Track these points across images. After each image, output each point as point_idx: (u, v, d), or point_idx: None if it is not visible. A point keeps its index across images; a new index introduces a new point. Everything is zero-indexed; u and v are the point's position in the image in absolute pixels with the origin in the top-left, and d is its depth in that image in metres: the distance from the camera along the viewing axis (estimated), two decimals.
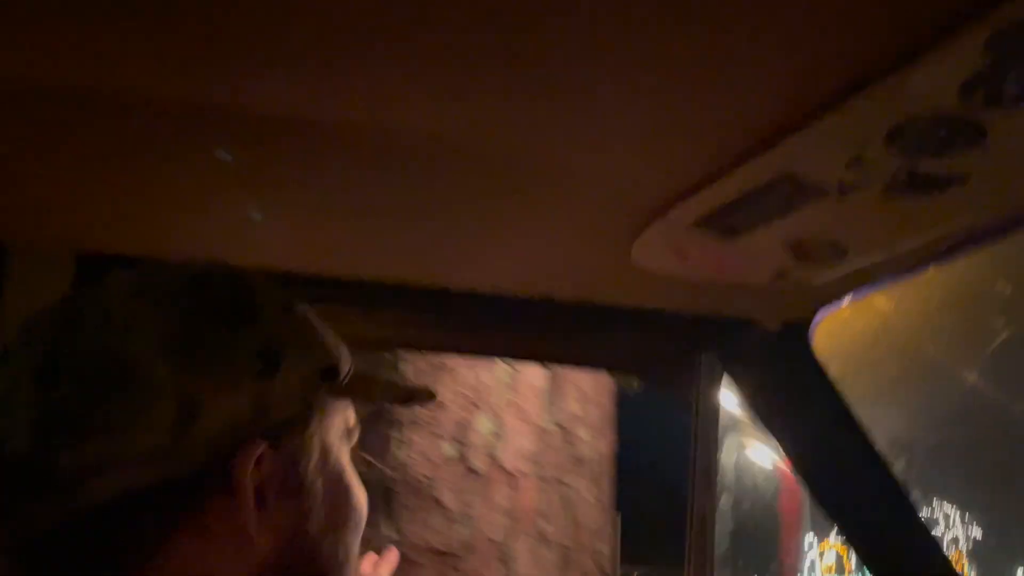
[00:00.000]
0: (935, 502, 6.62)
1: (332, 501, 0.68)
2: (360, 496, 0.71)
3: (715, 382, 1.33)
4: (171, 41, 0.68)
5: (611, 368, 1.55)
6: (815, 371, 1.26)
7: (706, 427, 1.33)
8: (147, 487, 0.58)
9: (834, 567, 10.92)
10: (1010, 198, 0.83)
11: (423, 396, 0.77)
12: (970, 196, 0.80)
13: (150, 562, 0.60)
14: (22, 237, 1.11)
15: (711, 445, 1.35)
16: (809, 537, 11.30)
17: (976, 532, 6.72)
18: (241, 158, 0.91)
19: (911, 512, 1.26)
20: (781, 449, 1.30)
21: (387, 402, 0.80)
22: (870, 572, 1.25)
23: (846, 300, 1.17)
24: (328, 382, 0.67)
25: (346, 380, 0.69)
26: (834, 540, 10.91)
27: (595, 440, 2.96)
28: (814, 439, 1.27)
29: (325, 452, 0.68)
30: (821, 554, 10.98)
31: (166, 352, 0.59)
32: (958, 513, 6.76)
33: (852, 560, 10.73)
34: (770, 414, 1.30)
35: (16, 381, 0.59)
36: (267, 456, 0.62)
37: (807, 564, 11.03)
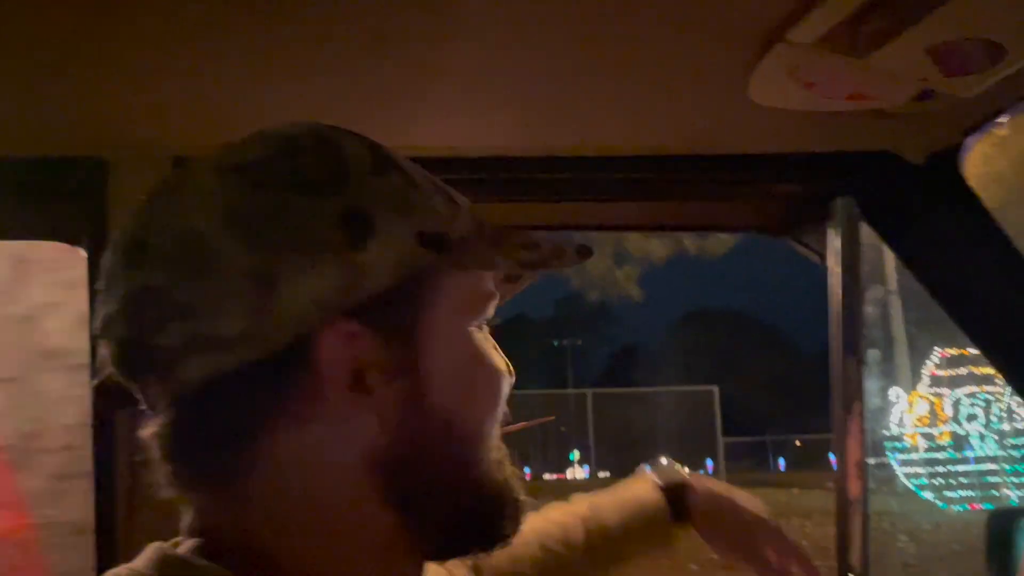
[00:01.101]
0: None
1: (460, 380, 0.62)
2: (497, 370, 0.64)
3: (853, 228, 1.20)
4: None
5: (733, 228, 1.43)
6: (970, 205, 1.12)
7: (847, 281, 1.21)
8: (235, 370, 0.56)
9: (928, 418, 10.38)
10: None
11: (570, 257, 0.64)
12: None
13: (250, 449, 0.58)
14: (122, 149, 1.09)
15: (854, 300, 1.23)
16: (896, 391, 10.75)
17: None
18: (373, 32, 0.84)
19: None
20: (935, 297, 1.16)
21: (517, 271, 0.67)
22: None
23: (1003, 118, 1.02)
24: (434, 249, 0.60)
25: (460, 247, 0.61)
26: (924, 391, 10.37)
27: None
28: (973, 282, 1.13)
29: (447, 327, 0.61)
30: (910, 405, 10.49)
31: (233, 227, 0.56)
32: None
33: (947, 409, 10.18)
34: (920, 259, 1.17)
35: (113, 265, 0.59)
36: (364, 335, 0.58)
37: (896, 418, 10.51)
